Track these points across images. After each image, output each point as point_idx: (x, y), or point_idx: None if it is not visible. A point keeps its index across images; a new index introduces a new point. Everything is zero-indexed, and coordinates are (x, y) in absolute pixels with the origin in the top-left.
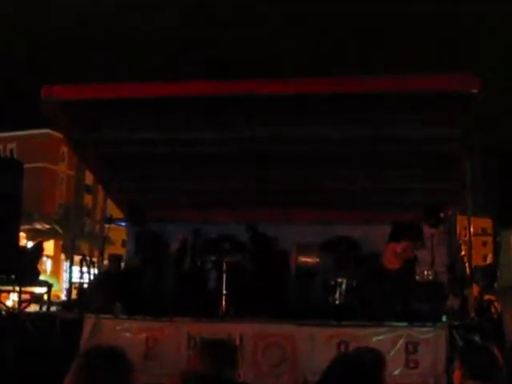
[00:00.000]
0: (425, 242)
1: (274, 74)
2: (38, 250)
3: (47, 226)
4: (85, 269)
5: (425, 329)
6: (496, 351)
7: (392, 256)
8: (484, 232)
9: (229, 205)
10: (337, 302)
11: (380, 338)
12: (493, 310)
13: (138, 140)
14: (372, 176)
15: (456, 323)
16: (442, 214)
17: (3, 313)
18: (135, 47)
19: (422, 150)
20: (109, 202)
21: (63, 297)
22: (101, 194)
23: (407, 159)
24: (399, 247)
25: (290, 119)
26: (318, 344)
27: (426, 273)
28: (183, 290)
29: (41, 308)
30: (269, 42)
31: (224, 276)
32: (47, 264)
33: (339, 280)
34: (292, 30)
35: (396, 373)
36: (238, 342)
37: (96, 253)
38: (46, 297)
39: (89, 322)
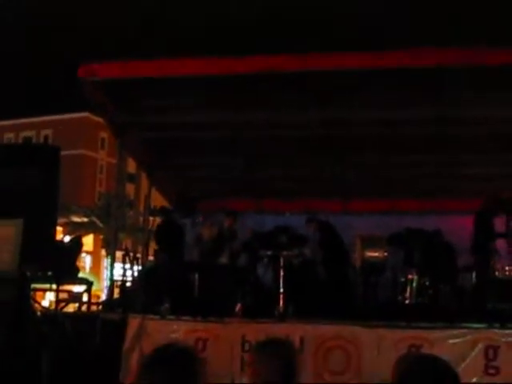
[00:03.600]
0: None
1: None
2: (77, 245)
3: (86, 219)
4: (128, 265)
5: (507, 331)
6: None
7: None
8: None
9: (283, 194)
10: (407, 301)
11: (456, 341)
12: None
13: (189, 123)
14: (441, 161)
15: None
16: None
17: (39, 313)
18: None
19: (499, 131)
20: (153, 191)
21: (104, 296)
22: (145, 184)
23: (483, 142)
24: None
25: (352, 99)
26: (386, 348)
27: (507, 268)
28: (236, 287)
29: (80, 308)
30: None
31: (281, 272)
32: (86, 260)
33: (410, 277)
34: None
35: (474, 380)
36: (297, 344)
37: (140, 248)
38: (85, 296)
39: (133, 323)
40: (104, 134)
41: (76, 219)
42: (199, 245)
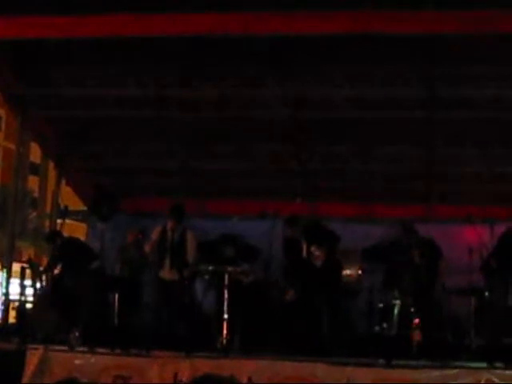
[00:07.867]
0: None
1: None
2: None
3: None
4: (28, 281)
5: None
6: None
7: None
8: None
9: (231, 193)
10: (387, 332)
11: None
12: None
13: (109, 99)
14: (433, 155)
15: None
16: None
17: None
18: None
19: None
20: (64, 187)
21: None
22: (52, 177)
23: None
24: None
25: (322, 73)
26: None
27: None
28: (164, 312)
29: None
30: None
31: (226, 293)
32: None
33: (391, 301)
34: None
35: None
36: None
37: (44, 259)
38: None
39: (34, 355)
40: (0, 111)
41: None
42: (122, 255)
